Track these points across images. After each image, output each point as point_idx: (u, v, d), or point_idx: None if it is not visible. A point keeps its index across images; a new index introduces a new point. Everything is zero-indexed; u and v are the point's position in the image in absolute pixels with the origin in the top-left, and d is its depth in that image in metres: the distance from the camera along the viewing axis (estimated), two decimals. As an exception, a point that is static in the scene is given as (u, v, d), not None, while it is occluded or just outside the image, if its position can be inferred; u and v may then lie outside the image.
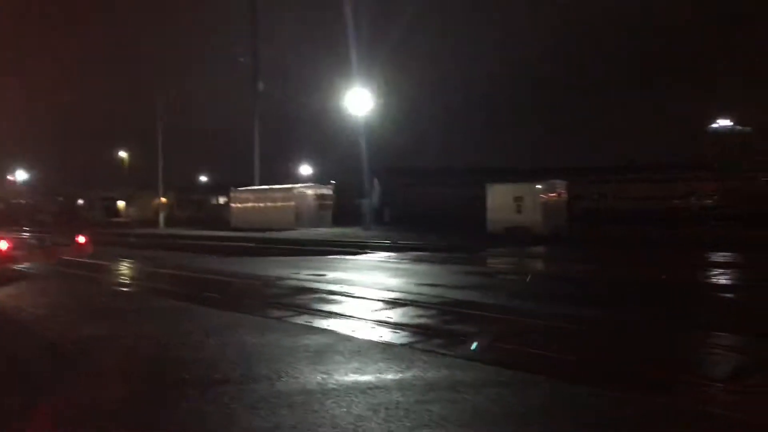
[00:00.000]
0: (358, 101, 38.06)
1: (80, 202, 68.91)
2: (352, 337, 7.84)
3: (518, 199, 29.57)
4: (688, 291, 12.93)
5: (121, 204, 67.06)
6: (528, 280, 14.98)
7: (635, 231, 29.55)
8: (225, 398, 5.59)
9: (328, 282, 13.46)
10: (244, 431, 4.81)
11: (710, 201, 53.37)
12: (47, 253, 14.33)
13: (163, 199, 49.81)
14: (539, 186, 29.76)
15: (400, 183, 52.98)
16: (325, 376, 6.12)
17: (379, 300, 10.94)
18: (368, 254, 21.99)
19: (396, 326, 8.58)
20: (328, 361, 6.67)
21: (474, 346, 8.18)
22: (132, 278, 16.20)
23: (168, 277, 15.02)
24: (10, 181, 74.34)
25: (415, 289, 12.32)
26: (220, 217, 48.23)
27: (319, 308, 10.18)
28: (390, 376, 6.08)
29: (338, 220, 39.96)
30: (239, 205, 43.20)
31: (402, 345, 7.48)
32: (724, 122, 67.75)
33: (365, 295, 11.49)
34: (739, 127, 67.65)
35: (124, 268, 18.14)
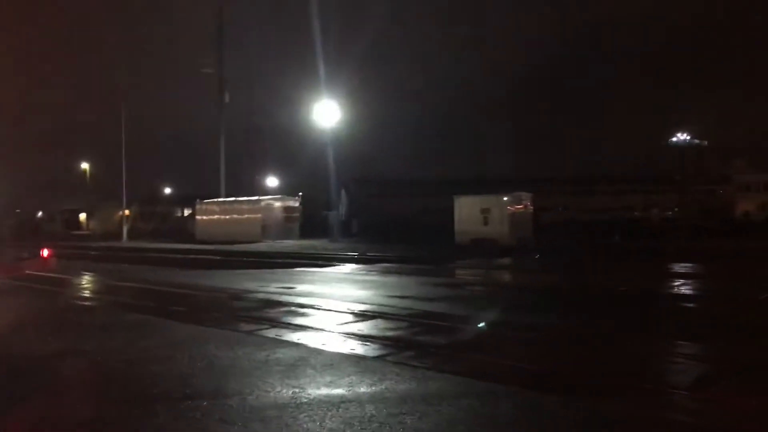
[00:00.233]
0: (326, 113, 38.09)
1: (40, 214, 67.30)
2: (324, 351, 7.82)
3: (485, 211, 29.89)
4: (651, 301, 13.20)
5: (82, 216, 65.69)
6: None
7: (599, 242, 30.10)
8: (196, 414, 5.52)
9: (297, 295, 13.39)
10: (216, 447, 4.76)
11: (670, 213, 54.76)
12: (10, 267, 13.96)
13: (126, 212, 48.93)
14: (506, 198, 30.13)
15: (368, 194, 53.10)
16: (297, 390, 6.09)
17: (348, 312, 10.92)
18: (336, 266, 21.94)
19: (367, 339, 8.57)
20: (300, 374, 6.64)
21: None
22: (96, 292, 15.86)
23: (133, 291, 14.76)
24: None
25: (384, 301, 12.34)
26: (185, 230, 47.60)
27: (289, 321, 10.11)
28: (363, 389, 6.08)
29: (305, 232, 39.77)
30: (205, 218, 42.68)
31: (373, 358, 7.48)
32: (681, 136, 69.65)
33: (335, 308, 11.46)
34: (696, 141, 69.63)
35: (88, 282, 17.76)
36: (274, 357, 7.47)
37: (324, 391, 6.06)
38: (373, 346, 8.14)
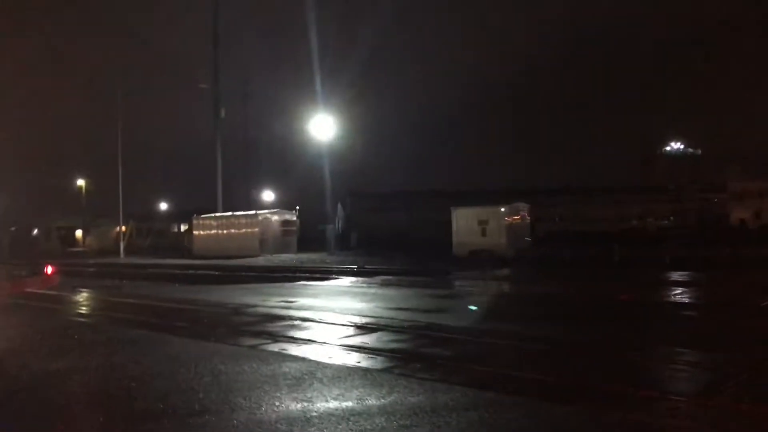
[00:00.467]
0: (322, 126, 38.22)
1: (35, 231, 67.02)
2: (330, 364, 7.81)
3: (483, 223, 29.94)
4: (653, 309, 13.23)
5: (78, 233, 65.45)
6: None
7: (596, 252, 30.13)
8: (205, 429, 5.52)
9: (299, 309, 13.38)
10: (228, 462, 4.76)
11: (666, 221, 54.91)
12: (15, 284, 13.92)
13: (123, 228, 48.81)
14: (503, 209, 30.20)
15: (365, 207, 53.14)
16: (306, 403, 6.09)
17: (351, 325, 10.91)
18: (336, 280, 21.92)
19: (372, 351, 8.57)
20: (307, 388, 6.64)
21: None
22: (97, 309, 15.80)
23: (134, 307, 14.70)
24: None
25: (386, 314, 12.33)
26: (182, 245, 47.48)
27: (292, 335, 10.10)
28: (372, 402, 6.08)
29: (302, 245, 39.75)
30: (202, 233, 42.60)
31: (380, 370, 7.48)
32: (675, 145, 70.05)
33: (337, 321, 11.45)
34: (689, 150, 70.02)
35: (88, 299, 17.69)
36: (281, 371, 7.47)
37: (333, 404, 6.06)
38: (379, 358, 8.14)
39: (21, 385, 7.49)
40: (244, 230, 39.88)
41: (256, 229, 38.97)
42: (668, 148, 69.66)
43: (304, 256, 34.94)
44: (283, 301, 14.70)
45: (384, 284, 19.47)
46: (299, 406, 6.03)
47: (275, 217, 40.14)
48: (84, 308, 16.01)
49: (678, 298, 15.16)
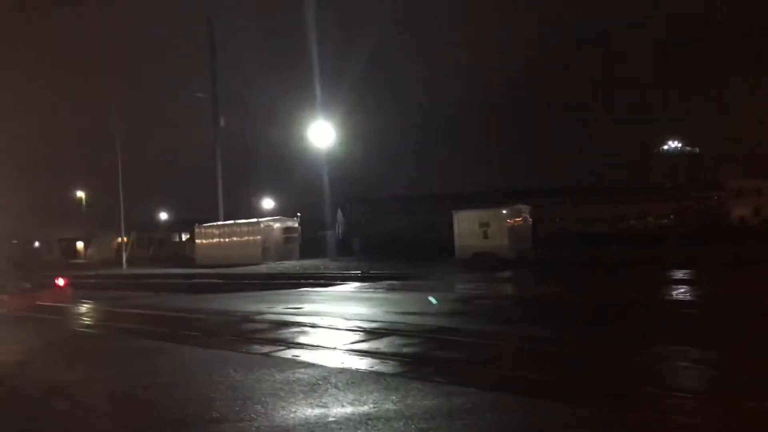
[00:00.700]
0: (321, 133, 38.31)
1: (37, 244, 67.06)
2: (343, 369, 7.86)
3: (484, 225, 29.99)
4: (658, 309, 13.30)
5: (79, 245, 65.48)
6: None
7: (598, 252, 30.18)
8: (226, 436, 5.56)
9: (307, 315, 13.43)
10: (252, 468, 4.80)
11: (666, 220, 55.01)
12: (28, 297, 13.98)
13: (125, 238, 48.86)
14: (505, 211, 30.25)
15: (365, 212, 53.17)
16: (323, 409, 6.14)
17: (360, 331, 10.96)
18: (340, 285, 21.97)
19: (384, 356, 8.61)
20: (323, 393, 6.69)
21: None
22: (105, 320, 15.85)
23: (142, 318, 14.75)
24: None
25: (395, 318, 12.39)
26: (184, 255, 47.52)
27: (303, 342, 10.15)
28: (388, 406, 6.12)
29: (304, 252, 39.80)
30: (204, 242, 42.62)
31: (394, 374, 7.53)
32: (672, 144, 70.15)
33: (346, 327, 11.49)
34: (687, 148, 70.12)
35: (95, 310, 17.73)
36: (295, 377, 7.52)
37: (349, 409, 6.11)
38: (391, 363, 8.18)
39: (35, 396, 7.54)
40: (246, 238, 39.92)
41: (258, 237, 39.02)
42: (666, 147, 69.73)
43: (307, 263, 34.99)
44: (290, 308, 14.74)
45: (389, 289, 19.52)
46: (316, 411, 6.08)
47: (277, 225, 40.19)
48: (91, 320, 16.06)
49: (681, 297, 15.21)
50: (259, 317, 13.46)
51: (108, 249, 54.98)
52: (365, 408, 6.11)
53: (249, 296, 19.09)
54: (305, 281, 24.16)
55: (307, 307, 15.05)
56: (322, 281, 23.69)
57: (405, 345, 9.43)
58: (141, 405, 6.92)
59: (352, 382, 7.09)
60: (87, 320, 15.84)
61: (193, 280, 28.38)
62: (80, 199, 65.80)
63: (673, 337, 9.66)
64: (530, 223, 31.89)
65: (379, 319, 12.26)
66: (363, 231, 47.50)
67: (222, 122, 46.86)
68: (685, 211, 55.13)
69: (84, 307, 17.68)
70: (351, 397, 6.53)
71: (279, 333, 11.15)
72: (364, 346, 9.52)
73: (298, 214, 42.26)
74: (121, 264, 44.54)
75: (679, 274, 19.67)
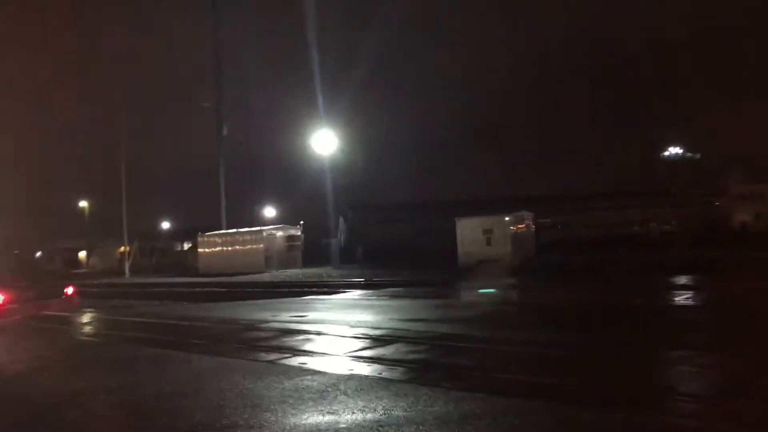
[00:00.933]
0: (323, 141, 38.43)
1: (39, 254, 67.10)
2: (352, 376, 7.86)
3: (488, 232, 30.03)
4: (664, 313, 13.29)
5: (81, 254, 65.53)
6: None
7: (603, 258, 30.16)
8: (238, 444, 5.56)
9: (311, 323, 13.42)
10: (265, 475, 4.80)
11: (668, 226, 55.00)
12: (37, 306, 14.00)
13: (127, 248, 48.90)
14: (507, 218, 30.30)
15: (368, 220, 53.20)
16: (333, 416, 6.13)
17: (366, 338, 10.95)
18: (344, 293, 21.95)
19: (392, 363, 8.61)
20: (333, 400, 6.69)
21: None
22: (110, 329, 15.82)
23: (147, 326, 14.75)
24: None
25: (400, 325, 12.38)
26: (186, 263, 47.56)
27: (309, 349, 10.15)
28: (398, 413, 6.12)
29: (307, 260, 39.81)
30: (207, 250, 42.67)
31: (403, 381, 7.52)
32: (674, 150, 70.17)
33: (352, 334, 11.49)
34: (689, 154, 70.13)
35: (100, 319, 17.71)
36: (303, 384, 7.51)
37: (359, 416, 6.10)
38: (399, 369, 8.18)
39: (43, 405, 7.54)
40: (249, 247, 39.96)
41: (261, 246, 39.06)
42: (667, 153, 69.79)
43: (310, 271, 35.00)
44: (294, 316, 14.73)
45: (393, 296, 19.51)
46: (327, 418, 6.08)
47: (280, 233, 40.23)
48: (97, 328, 16.05)
49: (687, 302, 15.19)
50: (264, 325, 13.45)
51: (110, 258, 55.00)
52: (375, 415, 6.10)
53: (253, 305, 19.07)
54: (309, 289, 24.16)
55: (311, 315, 15.04)
56: (325, 289, 23.68)
57: (411, 351, 9.43)
58: (150, 413, 6.91)
59: (360, 389, 7.08)
60: (93, 329, 15.83)
61: (197, 289, 28.37)
62: (83, 209, 65.95)
63: (678, 341, 9.66)
64: (533, 229, 31.92)
65: (384, 326, 12.25)
66: (366, 238, 47.52)
67: (225, 131, 47.03)
68: (687, 216, 55.14)
69: (89, 316, 17.67)
70: (361, 403, 6.52)
71: (285, 341, 11.14)
72: (370, 353, 9.51)
73: (301, 222, 42.30)
74: (123, 273, 44.57)
75: (684, 280, 19.65)
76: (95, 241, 62.57)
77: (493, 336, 10.86)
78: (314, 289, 23.89)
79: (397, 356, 9.12)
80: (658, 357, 8.58)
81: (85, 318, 17.41)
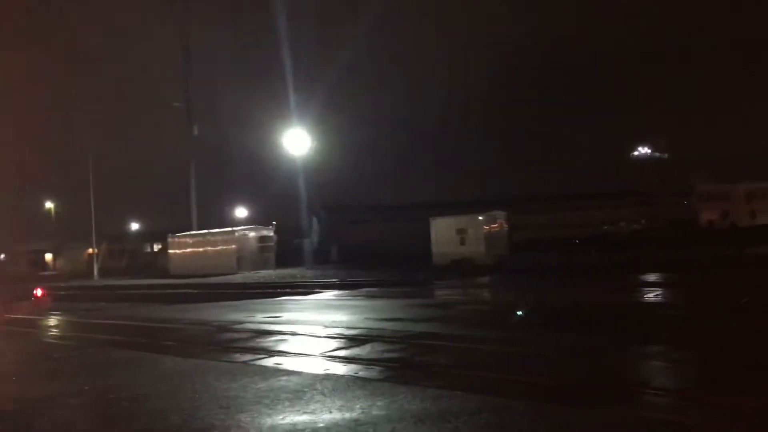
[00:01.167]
0: (296, 141, 38.25)
1: (2, 256, 65.62)
2: (328, 375, 7.81)
3: (461, 232, 30.20)
4: (638, 310, 13.49)
5: (48, 257, 64.23)
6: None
7: (574, 257, 30.53)
8: (213, 446, 5.48)
9: (286, 323, 13.33)
10: (242, 477, 4.74)
11: (638, 225, 55.95)
12: (6, 309, 13.64)
13: (96, 250, 48.07)
14: (481, 218, 30.50)
15: (342, 220, 53.10)
16: (311, 416, 6.08)
17: (342, 338, 10.91)
18: (319, 294, 21.87)
19: (368, 362, 8.59)
20: (309, 400, 6.63)
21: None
22: (81, 332, 15.51)
23: (119, 329, 14.50)
24: None
25: (375, 325, 12.35)
26: (157, 265, 46.93)
27: (284, 350, 10.07)
28: (376, 412, 6.09)
29: (280, 261, 39.56)
30: (178, 251, 42.15)
31: (380, 380, 7.50)
32: (642, 150, 71.33)
33: (327, 334, 11.44)
34: (657, 154, 71.38)
35: (71, 321, 17.38)
36: (278, 385, 7.44)
37: (337, 415, 6.06)
38: (376, 368, 8.16)
39: (11, 410, 7.34)
40: (220, 248, 39.59)
41: (233, 246, 38.73)
42: (636, 153, 70.89)
43: (283, 272, 34.80)
44: (268, 317, 14.62)
45: (368, 296, 19.49)
46: (304, 418, 6.02)
47: (252, 234, 39.93)
48: (67, 332, 15.73)
49: (660, 299, 15.46)
50: (237, 326, 13.32)
51: (78, 260, 54.04)
52: (353, 414, 6.06)
53: (226, 306, 18.88)
54: (282, 290, 24.01)
55: (285, 315, 14.94)
56: (299, 290, 23.58)
57: (387, 351, 9.41)
58: (123, 416, 6.78)
59: (337, 389, 7.03)
60: (63, 332, 15.52)
61: (168, 291, 28.00)
62: (49, 210, 64.66)
63: (654, 338, 9.80)
64: (506, 229, 32.17)
65: (359, 326, 12.22)
66: (340, 239, 47.41)
67: (196, 131, 46.51)
68: (656, 215, 56.19)
69: (59, 319, 17.32)
70: (338, 403, 6.48)
71: (259, 342, 11.04)
72: (346, 352, 9.47)
73: (274, 222, 42.05)
74: (92, 275, 43.80)
75: (655, 278, 19.99)
76: (62, 243, 61.38)
77: (468, 335, 10.90)
78: (288, 290, 23.76)
79: (373, 355, 9.10)
80: (632, 353, 8.68)
81: (55, 321, 17.06)
